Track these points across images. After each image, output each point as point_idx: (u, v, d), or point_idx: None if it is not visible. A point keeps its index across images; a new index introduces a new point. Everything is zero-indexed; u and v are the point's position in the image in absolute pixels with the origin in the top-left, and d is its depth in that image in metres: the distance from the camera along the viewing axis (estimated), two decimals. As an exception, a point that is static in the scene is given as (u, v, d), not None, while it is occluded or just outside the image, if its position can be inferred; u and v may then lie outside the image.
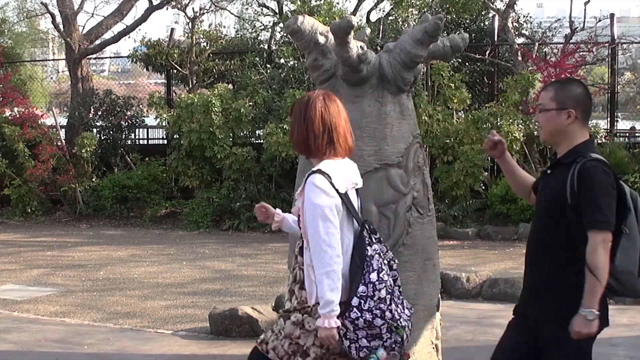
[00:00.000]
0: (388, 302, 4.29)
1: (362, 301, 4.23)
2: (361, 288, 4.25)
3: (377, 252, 4.37)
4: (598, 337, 7.73)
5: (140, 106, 20.49)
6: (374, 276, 4.28)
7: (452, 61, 15.90)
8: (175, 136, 17.36)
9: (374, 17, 23.67)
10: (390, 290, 4.32)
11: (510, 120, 14.77)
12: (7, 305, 9.87)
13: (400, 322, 4.31)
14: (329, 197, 4.26)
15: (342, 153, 4.45)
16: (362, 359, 4.30)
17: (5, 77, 20.19)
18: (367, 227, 4.41)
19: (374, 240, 4.40)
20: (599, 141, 15.23)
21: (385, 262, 4.41)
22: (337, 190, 4.29)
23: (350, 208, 4.35)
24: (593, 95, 16.36)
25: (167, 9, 20.79)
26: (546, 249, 4.36)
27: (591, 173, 4.20)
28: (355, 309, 4.23)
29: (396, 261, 4.53)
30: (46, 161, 17.43)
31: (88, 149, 17.28)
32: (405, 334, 4.33)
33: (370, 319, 4.24)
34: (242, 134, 16.84)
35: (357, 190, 4.50)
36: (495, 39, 17.73)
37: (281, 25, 20.81)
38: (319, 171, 4.32)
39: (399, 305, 4.40)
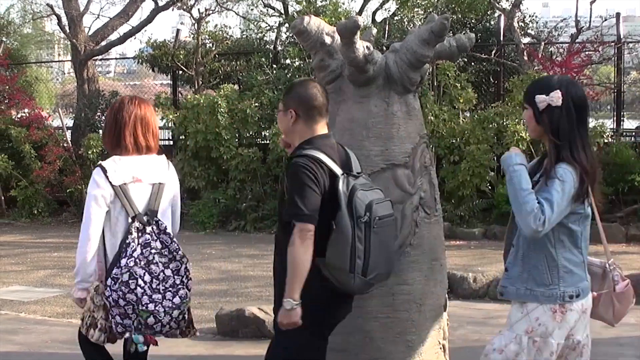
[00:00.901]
0: (132, 287, 4.77)
1: (113, 282, 4.78)
2: (115, 270, 4.79)
3: (146, 242, 4.89)
4: (606, 337, 7.73)
5: (146, 107, 20.48)
6: (124, 261, 4.79)
7: (457, 61, 15.90)
8: (181, 137, 17.37)
9: (379, 17, 23.70)
10: (135, 277, 4.78)
11: (517, 120, 14.75)
12: (13, 306, 9.89)
13: (147, 307, 4.79)
14: (98, 188, 4.86)
15: (132, 151, 5.00)
16: (121, 334, 4.91)
17: (11, 78, 20.22)
18: (140, 219, 4.90)
19: (147, 232, 4.92)
20: (605, 140, 15.20)
21: (165, 253, 4.98)
22: (110, 182, 4.86)
23: (124, 200, 4.88)
24: (599, 94, 16.47)
25: (172, 10, 20.80)
26: (277, 247, 4.63)
27: (292, 169, 4.42)
28: (108, 288, 4.79)
29: (180, 253, 5.02)
30: (52, 162, 17.44)
31: (94, 150, 17.26)
32: (153, 318, 4.82)
33: (116, 299, 4.77)
34: (248, 134, 16.86)
35: (157, 185, 5.04)
36: (501, 38, 17.69)
37: (287, 25, 20.82)
38: (100, 165, 4.97)
39: (161, 293, 4.87)
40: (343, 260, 4.31)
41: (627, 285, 4.31)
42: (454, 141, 15.25)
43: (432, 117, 14.96)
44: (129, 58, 27.39)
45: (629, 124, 18.51)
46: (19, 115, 19.30)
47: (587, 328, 4.30)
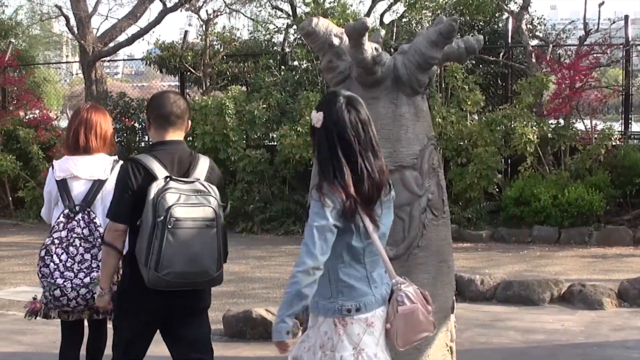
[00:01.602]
0: (47, 262, 5.44)
1: (38, 259, 5.50)
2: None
3: (72, 227, 5.49)
4: (612, 339, 7.75)
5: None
6: (45, 240, 5.51)
7: (465, 63, 15.88)
8: (188, 138, 17.38)
9: (387, 19, 23.70)
10: (51, 254, 5.44)
11: (524, 122, 14.74)
12: (21, 307, 9.83)
13: (56, 281, 5.40)
14: (48, 183, 5.73)
15: (73, 151, 5.73)
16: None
17: (19, 79, 20.27)
18: (70, 208, 5.56)
19: (75, 219, 5.52)
20: (613, 143, 15.18)
21: (90, 239, 5.52)
22: (55, 178, 5.64)
23: (61, 191, 5.61)
24: (607, 97, 16.42)
25: (180, 11, 20.82)
26: None
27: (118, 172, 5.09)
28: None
29: (100, 241, 5.38)
30: (60, 163, 17.45)
31: (101, 152, 17.28)
32: (59, 291, 5.41)
33: (38, 272, 5.53)
34: (255, 136, 16.86)
35: (97, 181, 5.66)
36: (509, 40, 17.67)
37: (295, 27, 20.83)
38: (52, 163, 5.82)
39: (74, 272, 5.44)
40: (141, 254, 4.75)
41: (412, 310, 4.08)
42: (461, 143, 15.25)
43: (439, 119, 14.95)
44: (137, 59, 27.39)
45: (637, 126, 18.45)
46: (27, 116, 19.34)
47: (382, 342, 4.15)
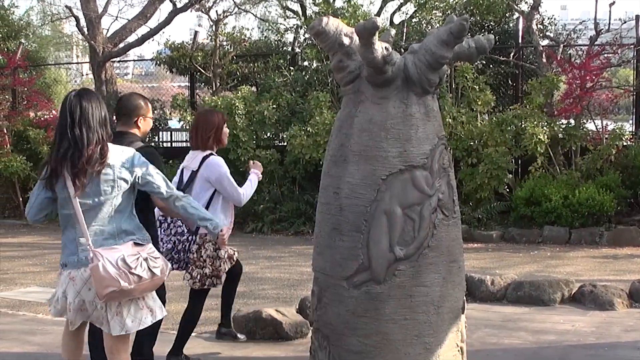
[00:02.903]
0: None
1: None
2: None
3: None
4: (624, 340, 7.71)
5: (164, 109, 20.55)
6: None
7: (476, 63, 15.86)
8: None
9: (397, 19, 23.69)
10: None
11: (535, 123, 14.72)
12: (31, 307, 9.91)
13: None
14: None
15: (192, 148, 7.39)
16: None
17: (29, 80, 20.32)
18: None
19: None
20: (624, 143, 15.14)
21: (160, 218, 6.96)
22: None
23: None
24: (618, 97, 16.38)
25: (190, 11, 20.83)
26: None
27: None
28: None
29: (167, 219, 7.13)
30: (70, 164, 17.50)
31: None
32: None
33: None
34: (265, 136, 16.87)
35: (191, 171, 7.24)
36: (520, 40, 17.65)
37: (305, 27, 20.82)
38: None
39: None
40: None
41: (94, 266, 4.99)
42: (472, 143, 15.24)
43: (450, 119, 14.94)
44: (147, 60, 27.41)
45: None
46: (37, 117, 19.39)
47: (84, 294, 5.14)
